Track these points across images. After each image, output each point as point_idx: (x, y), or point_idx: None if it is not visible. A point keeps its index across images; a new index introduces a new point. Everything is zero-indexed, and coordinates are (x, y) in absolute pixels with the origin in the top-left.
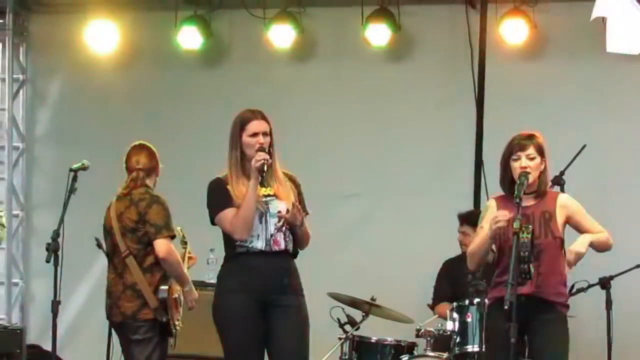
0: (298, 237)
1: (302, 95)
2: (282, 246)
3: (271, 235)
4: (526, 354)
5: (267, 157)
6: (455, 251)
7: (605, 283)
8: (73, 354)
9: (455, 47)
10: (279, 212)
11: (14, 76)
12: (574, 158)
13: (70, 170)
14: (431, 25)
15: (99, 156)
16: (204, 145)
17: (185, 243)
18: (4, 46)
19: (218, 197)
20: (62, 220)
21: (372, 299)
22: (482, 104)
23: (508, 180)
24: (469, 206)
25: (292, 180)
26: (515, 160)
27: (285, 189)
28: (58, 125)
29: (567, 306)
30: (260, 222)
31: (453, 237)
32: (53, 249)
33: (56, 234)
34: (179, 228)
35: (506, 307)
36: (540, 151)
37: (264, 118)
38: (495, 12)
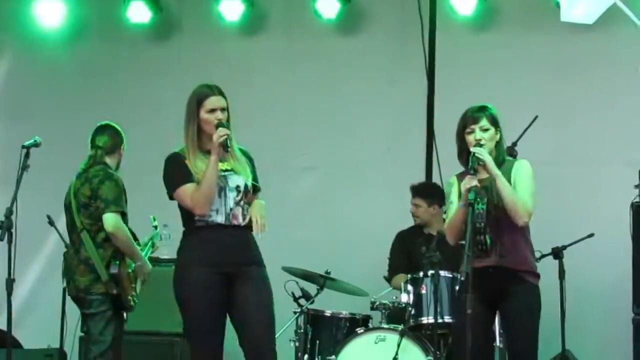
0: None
1: (253, 69)
2: (241, 220)
3: (230, 210)
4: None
5: (228, 132)
6: (409, 222)
7: (557, 253)
8: (26, 332)
9: (405, 19)
10: (237, 186)
11: None
12: (526, 129)
13: (23, 147)
14: None
15: (47, 132)
16: (154, 120)
17: (156, 227)
18: None
19: (177, 171)
20: (15, 198)
21: (327, 272)
22: (433, 76)
23: (465, 153)
24: (421, 177)
25: (246, 155)
26: (469, 133)
27: (242, 164)
28: (6, 101)
29: (536, 275)
30: (220, 197)
31: (406, 208)
32: (7, 227)
33: (9, 212)
34: (151, 216)
35: (462, 279)
36: (494, 122)
37: (221, 93)
38: None
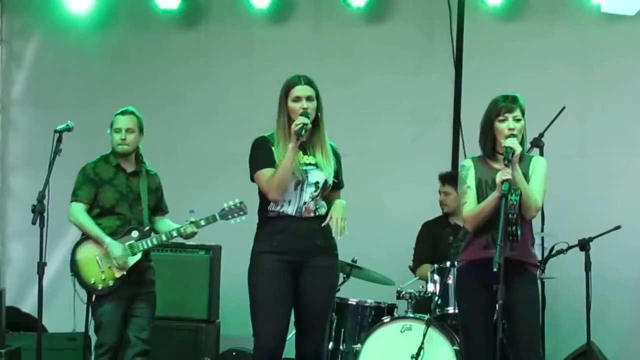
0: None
1: (280, 56)
2: (312, 214)
3: (304, 203)
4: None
5: (307, 121)
6: (435, 212)
7: (584, 245)
8: (50, 316)
9: (433, 8)
10: (316, 182)
11: None
12: (553, 120)
13: (55, 131)
14: None
15: (75, 118)
16: (183, 106)
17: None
18: None
19: (260, 155)
20: (47, 182)
21: (353, 261)
22: (460, 65)
23: (491, 140)
24: (447, 167)
25: (334, 152)
26: (502, 121)
27: (328, 160)
28: (34, 87)
29: (537, 266)
30: (295, 189)
31: (432, 198)
32: (39, 211)
33: (42, 196)
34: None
35: (495, 269)
36: (523, 113)
37: (308, 83)
38: None
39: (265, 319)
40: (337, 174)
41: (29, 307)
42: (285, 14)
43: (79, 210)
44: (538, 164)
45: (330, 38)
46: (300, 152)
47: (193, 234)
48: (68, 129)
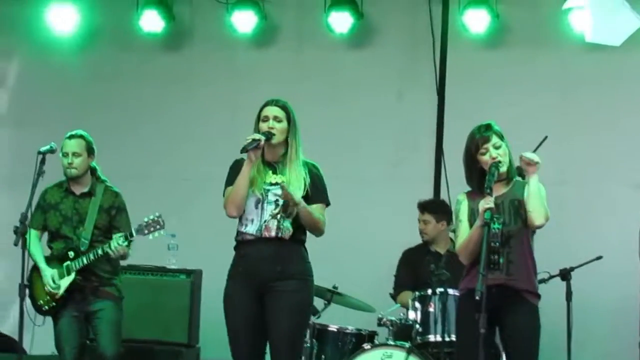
0: (303, 222)
1: (263, 81)
2: (273, 233)
3: (264, 221)
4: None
5: (258, 137)
6: (416, 240)
7: (565, 274)
8: (30, 338)
9: (417, 35)
10: (276, 200)
11: None
12: (536, 149)
13: (39, 152)
14: (394, 14)
15: (57, 138)
16: (164, 127)
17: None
18: None
19: (230, 175)
20: (30, 204)
21: (334, 287)
22: (443, 93)
23: (477, 175)
24: (429, 194)
25: (311, 169)
26: (484, 153)
27: (296, 179)
28: (16, 106)
29: (538, 295)
30: (256, 208)
31: (414, 225)
32: (21, 232)
33: (24, 217)
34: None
35: (477, 297)
36: (501, 137)
37: (279, 105)
38: (458, 2)
39: (237, 347)
40: (312, 190)
41: (8, 328)
42: (268, 38)
43: (30, 236)
44: (536, 183)
45: (313, 63)
46: (270, 172)
47: (118, 252)
48: (51, 151)
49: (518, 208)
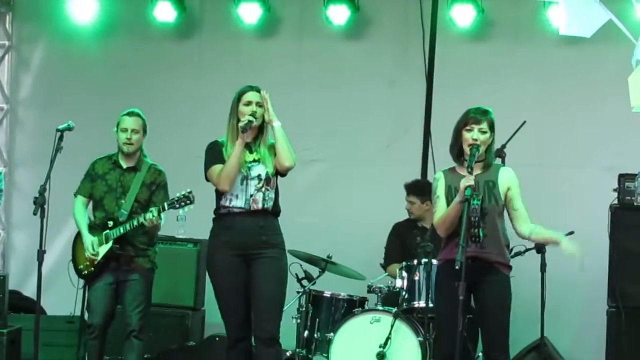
0: (280, 146)
1: (267, 68)
2: (260, 205)
3: (250, 195)
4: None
5: (252, 119)
6: (404, 215)
7: (540, 248)
8: (49, 300)
9: (408, 28)
10: (259, 175)
11: (0, 42)
12: (515, 133)
13: (57, 130)
14: (387, 8)
15: (77, 118)
16: (176, 111)
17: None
18: None
19: (211, 155)
20: (48, 177)
21: (328, 257)
22: (431, 81)
23: (458, 147)
24: (417, 174)
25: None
26: (469, 131)
27: (269, 156)
28: (40, 89)
29: (509, 267)
30: (242, 184)
31: (401, 202)
32: (40, 203)
33: (43, 189)
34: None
35: (457, 267)
36: (491, 127)
37: (259, 91)
38: None
39: (227, 313)
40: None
41: (30, 291)
42: (272, 29)
43: (75, 203)
44: (512, 178)
45: (312, 52)
46: (247, 152)
47: (152, 222)
48: (69, 129)
49: (492, 188)
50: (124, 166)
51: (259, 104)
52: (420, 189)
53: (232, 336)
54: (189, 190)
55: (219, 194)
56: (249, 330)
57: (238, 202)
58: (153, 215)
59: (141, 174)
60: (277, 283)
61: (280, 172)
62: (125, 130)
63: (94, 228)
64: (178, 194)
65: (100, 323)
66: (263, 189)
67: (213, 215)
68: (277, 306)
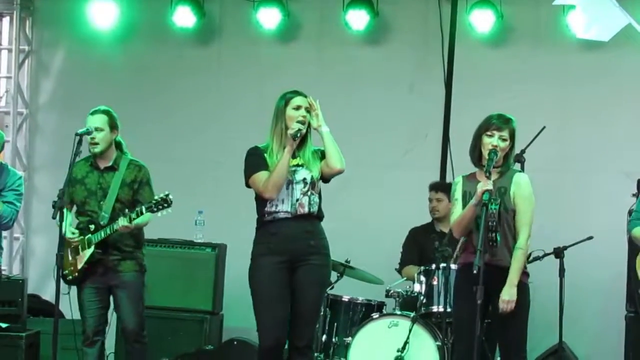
0: (329, 150)
1: (286, 73)
2: (306, 209)
3: (297, 200)
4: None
5: (302, 127)
6: (421, 220)
7: (558, 253)
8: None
9: (427, 33)
10: (304, 179)
11: (20, 47)
12: (534, 138)
13: (76, 134)
14: (406, 13)
15: None
16: (195, 115)
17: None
18: (11, 19)
19: (254, 161)
20: (67, 181)
21: (347, 261)
22: (450, 86)
23: (478, 152)
24: (436, 179)
25: (319, 155)
26: (489, 136)
27: (311, 161)
28: (59, 93)
29: (526, 273)
30: (287, 189)
31: (420, 207)
32: (59, 207)
33: (62, 193)
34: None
35: (475, 272)
36: (512, 135)
37: (304, 96)
38: (465, 3)
39: (267, 315)
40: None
41: (48, 295)
42: (291, 34)
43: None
44: (522, 187)
45: (332, 57)
46: (290, 157)
47: (125, 227)
48: (88, 133)
49: (503, 195)
50: (101, 167)
51: (307, 109)
52: (449, 188)
53: (265, 345)
54: (166, 192)
55: (262, 200)
56: (285, 340)
57: (284, 207)
58: (125, 221)
59: (120, 173)
60: (319, 292)
61: (325, 177)
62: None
63: (78, 233)
64: (157, 197)
65: (93, 329)
66: (309, 193)
67: (257, 223)
68: (316, 315)
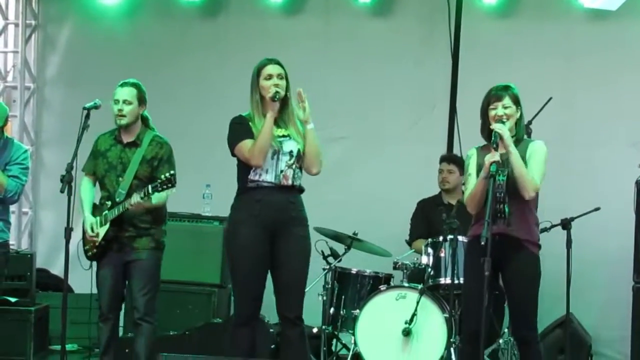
0: (309, 148)
1: (293, 47)
2: (290, 182)
3: (281, 171)
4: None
5: (279, 90)
6: (429, 192)
7: (565, 224)
8: (77, 278)
9: (434, 5)
10: (290, 151)
11: (27, 22)
12: (541, 109)
13: (84, 108)
14: None
15: (103, 96)
16: (202, 89)
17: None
18: None
19: (239, 129)
20: (75, 155)
21: (354, 234)
22: (457, 58)
23: (487, 129)
24: (442, 152)
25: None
26: (493, 109)
27: (298, 133)
28: (66, 68)
29: (537, 245)
30: (272, 159)
31: (428, 179)
32: (67, 181)
33: (70, 167)
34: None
35: (482, 243)
36: (516, 101)
37: (278, 63)
38: None
39: (243, 288)
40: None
41: (57, 269)
42: (297, 7)
43: (82, 180)
44: (536, 147)
45: (338, 30)
46: (275, 126)
47: (138, 204)
48: (96, 107)
49: None
50: (125, 141)
51: (280, 76)
52: (460, 160)
53: (244, 313)
54: (172, 172)
55: (246, 168)
56: (260, 307)
57: (268, 177)
58: (136, 199)
59: (142, 149)
60: (304, 262)
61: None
62: (117, 102)
63: (98, 208)
64: (162, 176)
65: (106, 305)
66: (294, 166)
67: (237, 189)
68: (303, 285)
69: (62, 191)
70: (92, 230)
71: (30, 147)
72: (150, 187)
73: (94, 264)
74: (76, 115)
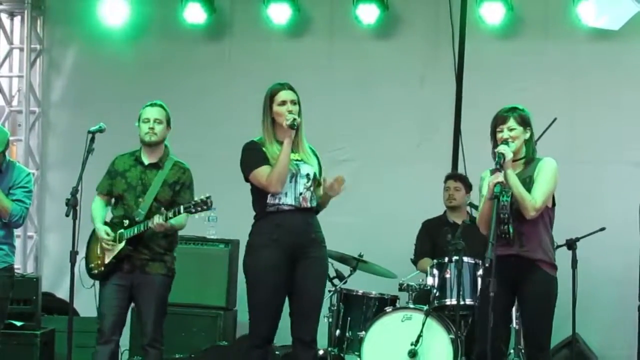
0: (323, 201)
1: (297, 69)
2: (308, 204)
3: (300, 194)
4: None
5: (295, 116)
6: (434, 212)
7: (571, 244)
8: (83, 301)
9: (438, 26)
10: (307, 174)
11: (32, 46)
12: (545, 130)
13: (89, 132)
14: (417, 6)
15: (108, 120)
16: (206, 112)
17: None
18: (23, 18)
19: (253, 156)
20: (80, 178)
21: (360, 255)
22: (461, 79)
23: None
24: (447, 172)
25: (313, 152)
26: (499, 132)
27: (310, 157)
28: (71, 92)
29: (553, 266)
30: (291, 182)
31: (432, 199)
32: (72, 204)
33: (75, 190)
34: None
35: (486, 265)
36: (523, 122)
37: (291, 89)
38: None
39: (263, 311)
40: (320, 170)
41: (63, 293)
42: (302, 29)
43: (95, 199)
44: (543, 165)
45: (342, 52)
46: (290, 149)
47: (160, 225)
48: (100, 130)
49: (529, 184)
50: (146, 162)
51: (294, 102)
52: (466, 179)
53: (261, 336)
54: (207, 195)
55: (262, 193)
56: (276, 330)
57: (288, 200)
58: (160, 219)
59: (163, 172)
60: (322, 286)
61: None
62: (147, 120)
63: (110, 226)
64: (197, 198)
65: (109, 326)
66: (311, 188)
67: (255, 214)
68: (319, 308)
69: (67, 215)
70: (108, 234)
71: (35, 171)
72: (182, 207)
73: (97, 283)
74: (81, 139)
